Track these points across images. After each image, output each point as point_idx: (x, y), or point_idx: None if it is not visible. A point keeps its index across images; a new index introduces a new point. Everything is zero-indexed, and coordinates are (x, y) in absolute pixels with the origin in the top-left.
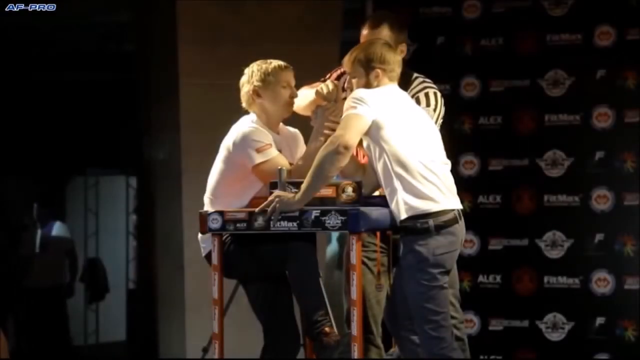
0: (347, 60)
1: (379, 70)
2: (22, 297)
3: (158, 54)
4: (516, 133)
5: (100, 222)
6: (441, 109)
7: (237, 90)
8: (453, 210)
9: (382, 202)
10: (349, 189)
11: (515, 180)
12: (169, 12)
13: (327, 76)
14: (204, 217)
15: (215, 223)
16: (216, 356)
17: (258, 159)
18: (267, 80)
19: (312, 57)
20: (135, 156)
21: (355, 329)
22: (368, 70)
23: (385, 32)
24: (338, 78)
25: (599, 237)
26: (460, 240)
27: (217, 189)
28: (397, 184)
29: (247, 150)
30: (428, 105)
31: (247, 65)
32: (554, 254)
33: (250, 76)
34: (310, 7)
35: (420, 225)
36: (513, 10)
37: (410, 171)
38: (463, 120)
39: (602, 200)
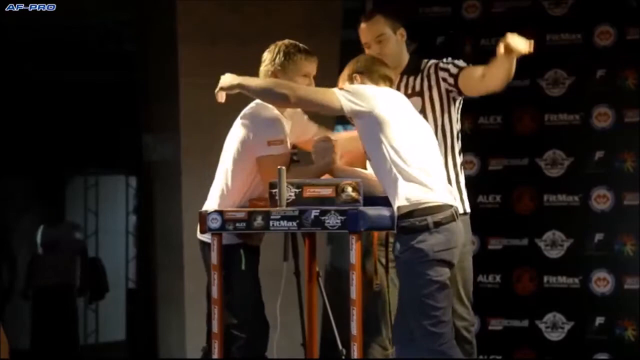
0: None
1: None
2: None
3: (158, 54)
4: (516, 133)
5: (100, 222)
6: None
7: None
8: (451, 207)
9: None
10: (349, 189)
11: (515, 180)
12: (169, 12)
13: None
14: (203, 216)
15: (215, 223)
16: (216, 356)
17: (268, 151)
18: (288, 68)
19: None
20: (135, 156)
21: (355, 328)
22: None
23: (381, 21)
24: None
25: (598, 236)
26: (458, 238)
27: (233, 181)
28: (397, 174)
29: (262, 135)
30: (466, 62)
31: (248, 65)
32: (554, 253)
33: (274, 55)
34: (310, 7)
35: (419, 223)
36: (513, 10)
37: (410, 165)
38: (463, 120)
39: (602, 200)
